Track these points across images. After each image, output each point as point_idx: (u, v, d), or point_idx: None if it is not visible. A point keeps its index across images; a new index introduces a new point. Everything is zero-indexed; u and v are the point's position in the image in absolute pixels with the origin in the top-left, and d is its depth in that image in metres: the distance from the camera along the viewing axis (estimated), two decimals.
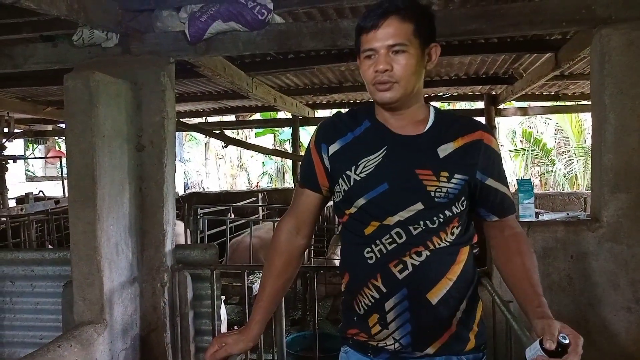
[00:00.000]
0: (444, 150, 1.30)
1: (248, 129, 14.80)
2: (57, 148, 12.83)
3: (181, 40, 2.70)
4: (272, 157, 14.96)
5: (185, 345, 2.75)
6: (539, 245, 2.48)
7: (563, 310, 2.47)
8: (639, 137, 2.38)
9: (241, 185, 16.78)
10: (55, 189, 10.08)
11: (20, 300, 2.92)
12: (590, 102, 2.69)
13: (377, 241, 1.29)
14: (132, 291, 2.62)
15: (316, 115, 7.37)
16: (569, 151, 12.23)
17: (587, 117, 10.68)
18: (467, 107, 10.33)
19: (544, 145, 12.59)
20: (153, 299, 2.69)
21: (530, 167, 12.90)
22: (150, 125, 2.69)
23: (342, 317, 1.45)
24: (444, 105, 9.71)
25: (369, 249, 1.30)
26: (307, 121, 7.21)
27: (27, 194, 7.09)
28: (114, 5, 2.58)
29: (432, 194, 1.27)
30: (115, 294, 2.45)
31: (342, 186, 1.34)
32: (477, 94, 6.24)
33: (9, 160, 7.33)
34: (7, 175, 7.31)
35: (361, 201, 1.31)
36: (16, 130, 7.39)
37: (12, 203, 7.42)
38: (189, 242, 4.87)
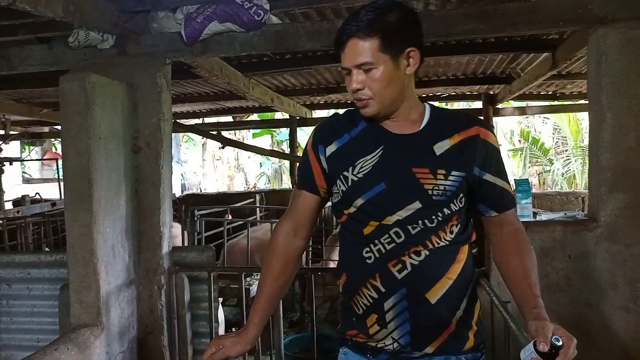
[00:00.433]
0: (440, 147, 1.30)
1: (245, 130, 14.78)
2: (54, 150, 12.80)
3: (177, 41, 2.69)
4: (269, 158, 14.95)
5: (182, 348, 2.74)
6: (537, 245, 2.47)
7: (561, 310, 2.47)
8: (636, 137, 2.38)
9: (238, 187, 16.76)
10: (52, 191, 10.05)
11: (16, 303, 2.91)
12: (587, 102, 2.69)
13: (376, 241, 1.29)
14: (129, 294, 2.61)
15: (314, 116, 7.37)
16: (567, 150, 12.24)
17: (585, 117, 10.67)
18: (465, 107, 10.34)
19: (542, 145, 12.61)
20: (150, 302, 2.68)
21: (529, 167, 12.91)
22: (147, 127, 2.68)
23: (340, 318, 1.45)
24: (442, 105, 9.71)
25: (367, 249, 1.30)
26: (305, 122, 7.20)
27: (23, 196, 7.08)
28: (109, 7, 2.57)
29: (430, 192, 1.27)
30: (112, 296, 2.44)
31: (340, 187, 1.34)
32: (474, 93, 6.24)
33: (5, 163, 7.31)
34: (4, 178, 7.28)
35: (359, 201, 1.31)
36: (12, 133, 7.37)
37: (8, 205, 7.40)
38: (186, 244, 4.86)
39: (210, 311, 2.65)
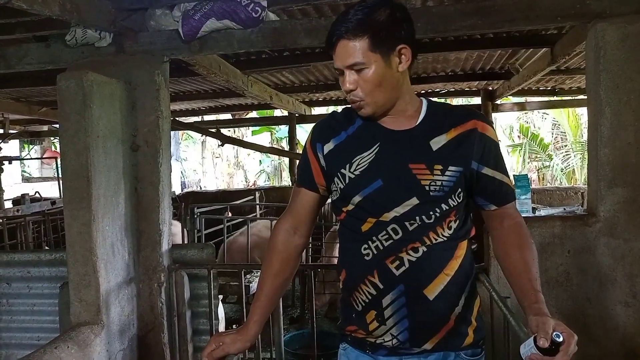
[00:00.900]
0: (437, 142, 1.30)
1: (244, 127, 14.77)
2: (53, 148, 12.79)
3: (175, 38, 2.69)
4: (269, 155, 14.93)
5: (183, 345, 2.74)
6: (536, 240, 2.45)
7: (561, 305, 2.47)
8: (634, 132, 2.39)
9: (238, 184, 16.76)
10: (51, 190, 10.06)
11: (16, 301, 2.92)
12: (586, 97, 2.69)
13: (374, 237, 1.29)
14: (129, 292, 2.61)
15: (313, 113, 7.36)
16: (566, 146, 12.24)
17: (583, 112, 10.67)
18: (464, 103, 10.34)
19: (541, 140, 12.60)
20: (150, 299, 2.68)
21: (528, 162, 12.91)
22: (145, 125, 2.68)
23: (340, 314, 1.45)
24: (441, 101, 9.71)
25: (365, 246, 1.30)
26: (304, 119, 7.19)
27: (23, 195, 7.08)
28: (107, 5, 2.57)
29: (427, 188, 1.27)
30: (112, 294, 2.44)
31: (338, 185, 1.34)
32: (473, 89, 6.24)
33: (4, 162, 7.31)
34: (3, 176, 7.28)
35: (357, 198, 1.31)
36: (11, 131, 7.37)
37: (8, 204, 7.40)
38: (186, 241, 4.86)
39: (210, 308, 2.65)
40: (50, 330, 2.78)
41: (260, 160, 17.01)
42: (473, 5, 2.52)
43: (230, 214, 5.97)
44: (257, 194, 7.15)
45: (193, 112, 7.29)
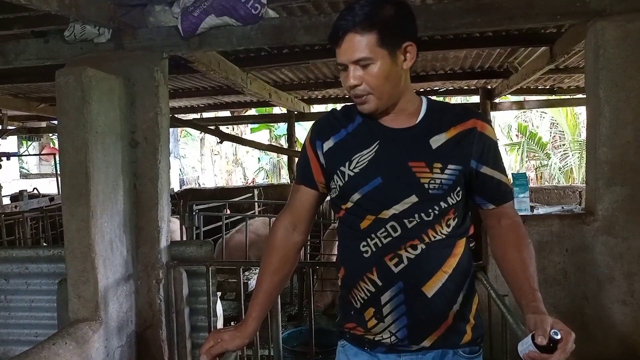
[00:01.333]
0: (437, 141, 1.30)
1: (243, 125, 14.76)
2: (52, 145, 12.76)
3: (174, 35, 2.68)
4: (267, 152, 14.92)
5: (181, 342, 2.74)
6: (534, 239, 2.48)
7: (558, 304, 2.48)
8: (633, 130, 2.39)
9: (237, 181, 16.74)
10: (49, 186, 10.04)
11: (14, 298, 2.91)
12: (585, 96, 2.69)
13: (373, 235, 1.29)
14: (127, 288, 2.61)
15: (312, 111, 7.35)
16: (564, 145, 12.24)
17: (582, 111, 10.67)
18: (462, 102, 10.34)
19: (539, 139, 12.61)
20: (148, 296, 2.68)
21: (526, 161, 12.92)
22: (144, 122, 2.68)
23: (339, 312, 1.45)
24: (440, 99, 9.70)
25: (364, 243, 1.30)
26: (303, 116, 7.19)
27: (21, 192, 7.06)
28: (105, 1, 2.56)
29: (426, 186, 1.27)
30: (110, 291, 2.44)
31: (337, 182, 1.34)
32: (472, 88, 6.23)
33: (2, 158, 7.29)
34: (1, 173, 7.28)
35: (356, 196, 1.31)
36: (9, 128, 7.35)
37: (6, 200, 7.38)
38: (184, 238, 4.86)
39: (208, 305, 2.65)
40: (48, 326, 2.78)
41: (259, 158, 16.99)
42: (473, 3, 2.52)
43: (228, 211, 5.97)
44: (256, 192, 7.14)
45: (192, 109, 7.28)
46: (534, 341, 1.08)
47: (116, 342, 2.48)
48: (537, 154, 12.71)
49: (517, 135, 13.58)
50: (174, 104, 6.52)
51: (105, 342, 2.38)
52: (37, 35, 2.96)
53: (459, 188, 1.30)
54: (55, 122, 7.31)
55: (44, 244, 5.50)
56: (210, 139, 15.45)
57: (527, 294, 1.22)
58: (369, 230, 1.30)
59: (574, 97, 6.44)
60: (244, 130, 15.74)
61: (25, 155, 12.67)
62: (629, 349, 2.40)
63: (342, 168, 1.32)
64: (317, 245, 5.26)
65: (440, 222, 1.29)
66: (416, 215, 1.27)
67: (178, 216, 5.34)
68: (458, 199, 1.31)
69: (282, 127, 13.64)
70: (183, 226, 4.98)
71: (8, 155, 7.86)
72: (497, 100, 6.36)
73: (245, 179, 16.86)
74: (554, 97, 6.36)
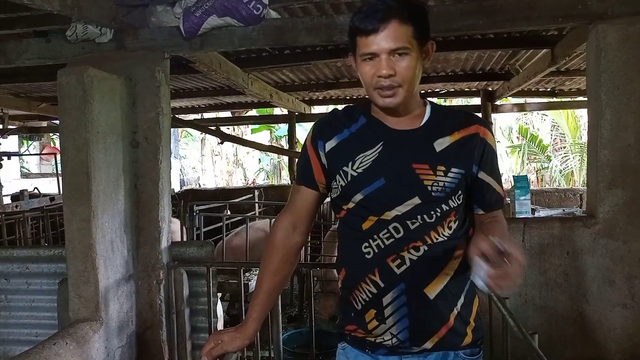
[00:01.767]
0: (440, 144, 1.30)
1: (244, 125, 14.75)
2: (52, 145, 12.77)
3: (176, 35, 2.69)
4: (268, 153, 14.91)
5: (181, 343, 2.74)
6: (535, 241, 2.48)
7: (559, 306, 2.48)
8: (634, 133, 2.39)
9: (237, 182, 16.74)
10: (50, 186, 10.03)
11: (15, 297, 2.91)
12: (586, 98, 2.69)
13: (375, 236, 1.29)
14: (128, 288, 2.61)
15: (312, 112, 7.35)
16: (565, 147, 12.24)
17: (583, 113, 10.66)
18: (463, 103, 10.34)
19: (540, 142, 12.61)
20: (149, 297, 2.68)
21: (527, 164, 12.91)
22: (145, 122, 2.68)
23: (340, 313, 1.45)
24: (440, 101, 9.72)
25: (366, 244, 1.30)
26: (304, 117, 7.19)
27: (22, 191, 7.05)
28: (108, 1, 2.56)
29: (429, 188, 1.27)
30: (111, 291, 2.44)
31: (339, 182, 1.34)
32: (473, 90, 6.24)
33: (3, 157, 7.29)
34: (2, 172, 7.27)
35: (358, 196, 1.31)
36: (10, 127, 7.35)
37: (7, 200, 7.38)
38: (184, 239, 4.85)
39: (208, 306, 2.65)
40: (49, 326, 2.78)
41: (259, 159, 16.99)
42: (474, 5, 2.52)
43: (229, 212, 5.96)
44: (256, 192, 7.14)
45: (193, 110, 7.28)
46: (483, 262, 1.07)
47: (116, 342, 2.48)
48: (537, 157, 12.70)
49: (517, 137, 13.57)
50: (175, 104, 6.53)
51: (105, 343, 2.37)
52: (39, 35, 2.96)
53: (460, 191, 1.31)
54: (56, 121, 7.33)
55: (45, 244, 5.50)
56: (211, 140, 15.45)
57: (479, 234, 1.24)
58: (371, 231, 1.29)
59: (575, 99, 6.44)
60: (244, 131, 15.73)
61: (26, 154, 12.68)
62: (630, 352, 2.40)
63: (345, 168, 1.32)
64: (317, 246, 5.26)
65: (442, 224, 1.29)
66: (419, 217, 1.27)
67: (178, 217, 5.34)
68: (459, 202, 1.31)
69: (283, 128, 13.64)
70: (183, 227, 4.98)
71: (9, 155, 7.86)
72: (498, 102, 6.36)
73: (245, 180, 16.85)
74: (555, 99, 6.37)
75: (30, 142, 12.72)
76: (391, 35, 1.22)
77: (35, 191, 7.51)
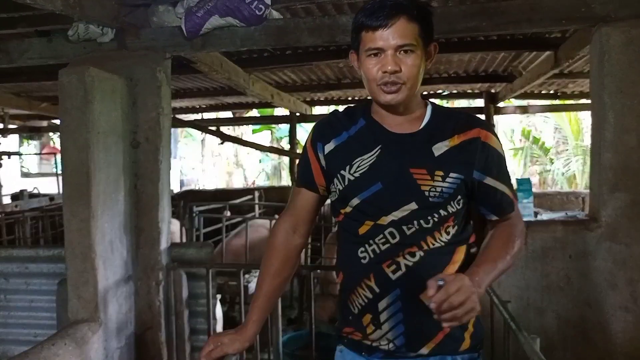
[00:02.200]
0: (439, 148, 1.29)
1: (245, 126, 14.74)
2: (52, 144, 12.78)
3: (177, 35, 2.68)
4: (268, 154, 14.91)
5: (180, 344, 2.73)
6: (537, 245, 2.47)
7: (561, 310, 2.46)
8: (638, 136, 2.38)
9: (237, 183, 16.73)
10: (50, 186, 10.01)
11: (14, 297, 2.90)
12: (589, 101, 2.68)
13: (371, 241, 1.28)
14: (127, 289, 2.60)
15: (314, 112, 7.33)
16: (567, 150, 12.23)
17: (585, 116, 10.67)
18: (466, 105, 10.33)
19: (542, 144, 12.60)
20: (148, 298, 2.67)
21: (529, 166, 12.90)
22: (146, 122, 2.67)
23: (338, 316, 1.44)
24: (443, 103, 9.69)
25: (362, 249, 1.29)
26: (305, 118, 7.17)
27: (21, 191, 7.06)
28: (109, 0, 2.55)
29: (427, 193, 1.25)
30: (110, 292, 2.43)
31: (337, 186, 1.33)
32: (476, 91, 6.22)
33: (3, 157, 7.29)
34: (2, 172, 7.27)
35: (355, 201, 1.30)
36: (11, 126, 7.35)
37: (6, 200, 7.38)
38: (184, 240, 4.84)
39: (208, 308, 2.64)
40: (48, 326, 2.77)
41: (260, 160, 16.99)
42: (477, 7, 2.51)
43: (229, 213, 5.95)
44: (257, 193, 7.13)
45: (193, 110, 7.27)
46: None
47: (115, 343, 2.47)
48: (540, 159, 12.69)
49: (520, 139, 13.57)
50: (175, 105, 6.52)
51: (104, 344, 2.36)
52: (41, 35, 2.96)
53: (459, 197, 1.29)
54: (57, 121, 7.32)
55: (44, 244, 5.49)
56: (211, 140, 15.44)
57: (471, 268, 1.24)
58: (367, 236, 1.29)
59: (578, 102, 6.43)
60: (245, 132, 15.73)
61: (26, 154, 12.69)
62: (632, 355, 2.39)
63: (342, 172, 1.31)
64: (318, 248, 5.25)
65: (440, 230, 1.28)
66: (415, 222, 1.26)
67: (178, 218, 5.33)
68: (459, 207, 1.30)
69: (284, 128, 13.65)
70: (183, 228, 4.97)
71: (9, 154, 7.86)
72: (500, 104, 6.34)
73: (245, 181, 16.85)
74: (557, 102, 6.36)
75: (30, 142, 12.73)
76: (399, 31, 1.22)
77: (35, 191, 7.50)
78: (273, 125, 14.35)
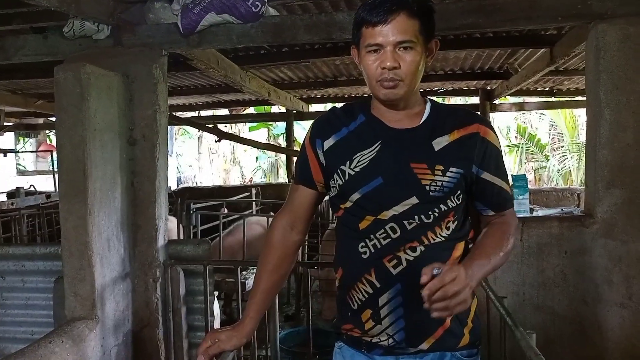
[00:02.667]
0: (439, 143, 1.29)
1: (242, 123, 14.74)
2: (49, 142, 12.72)
3: (174, 32, 2.67)
4: (265, 151, 14.91)
5: (178, 341, 2.73)
6: (533, 241, 2.48)
7: (557, 306, 2.47)
8: (633, 133, 2.38)
9: (234, 180, 16.71)
10: (46, 183, 9.98)
11: (11, 295, 2.89)
12: (585, 98, 2.68)
13: (372, 236, 1.28)
14: (124, 287, 2.60)
15: (310, 110, 7.33)
16: (563, 147, 12.26)
17: (581, 113, 10.70)
18: (462, 102, 10.33)
19: (538, 141, 12.64)
20: (145, 295, 2.67)
21: (525, 163, 12.94)
22: (143, 119, 2.66)
23: (337, 313, 1.44)
24: (439, 100, 9.69)
25: (363, 244, 1.29)
26: (302, 115, 7.17)
27: (18, 188, 7.02)
28: None
29: (427, 187, 1.26)
30: (107, 289, 2.42)
31: (337, 181, 1.33)
32: (472, 89, 6.23)
33: None
34: None
35: (356, 196, 1.30)
36: (7, 124, 7.32)
37: (2, 197, 7.34)
38: (181, 237, 4.84)
39: (205, 305, 2.64)
40: (45, 324, 2.76)
41: (257, 157, 16.98)
42: (475, 4, 2.51)
43: (226, 210, 5.94)
44: (254, 191, 7.13)
45: (190, 107, 7.26)
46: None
47: (113, 340, 2.47)
48: (535, 156, 12.73)
49: (516, 136, 13.60)
50: (172, 102, 6.50)
51: (101, 341, 2.36)
52: (36, 31, 2.94)
53: (459, 191, 1.30)
54: (53, 118, 7.30)
55: (41, 242, 5.48)
56: (208, 138, 15.43)
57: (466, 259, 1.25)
58: (368, 231, 1.29)
59: (574, 99, 6.45)
60: (242, 129, 15.71)
61: (22, 151, 12.64)
62: (627, 352, 2.40)
63: (342, 167, 1.31)
64: (315, 245, 5.25)
65: (440, 225, 1.28)
66: (416, 217, 1.26)
67: (175, 215, 5.32)
68: (458, 202, 1.30)
69: (281, 126, 13.63)
70: (180, 225, 4.97)
71: (5, 152, 7.83)
72: (496, 102, 6.35)
73: (242, 178, 16.84)
74: (553, 98, 6.37)
75: (26, 139, 12.68)
76: (398, 27, 1.22)
77: (31, 188, 7.47)
78: (270, 123, 14.33)
